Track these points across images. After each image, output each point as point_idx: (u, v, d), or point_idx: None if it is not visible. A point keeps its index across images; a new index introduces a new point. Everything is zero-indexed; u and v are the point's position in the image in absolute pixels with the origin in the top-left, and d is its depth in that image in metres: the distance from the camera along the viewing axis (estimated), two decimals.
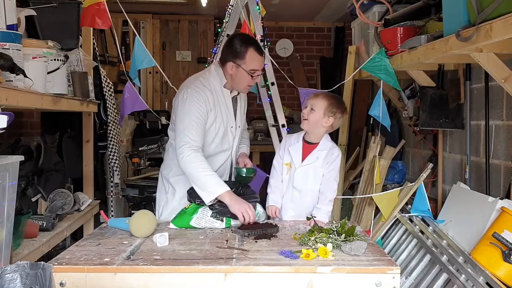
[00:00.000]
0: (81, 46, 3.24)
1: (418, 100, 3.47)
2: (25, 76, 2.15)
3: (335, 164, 2.44)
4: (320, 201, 2.43)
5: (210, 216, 2.23)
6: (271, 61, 3.72)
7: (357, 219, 3.48)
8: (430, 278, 2.65)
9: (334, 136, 3.03)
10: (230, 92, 2.55)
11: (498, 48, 2.19)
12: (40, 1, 2.73)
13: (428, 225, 3.01)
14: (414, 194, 3.20)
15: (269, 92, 3.75)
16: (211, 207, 2.24)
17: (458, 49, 2.22)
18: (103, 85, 3.86)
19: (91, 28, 3.58)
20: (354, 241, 1.87)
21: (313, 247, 1.85)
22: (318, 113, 2.41)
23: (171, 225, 2.23)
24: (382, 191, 3.34)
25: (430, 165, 3.26)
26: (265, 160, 5.35)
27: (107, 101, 3.87)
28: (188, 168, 2.30)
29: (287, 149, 2.51)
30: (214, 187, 2.24)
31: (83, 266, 1.65)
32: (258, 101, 3.92)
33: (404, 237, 3.15)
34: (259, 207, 2.40)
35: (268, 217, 2.49)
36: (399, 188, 3.33)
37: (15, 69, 2.07)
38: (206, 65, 4.14)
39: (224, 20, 3.79)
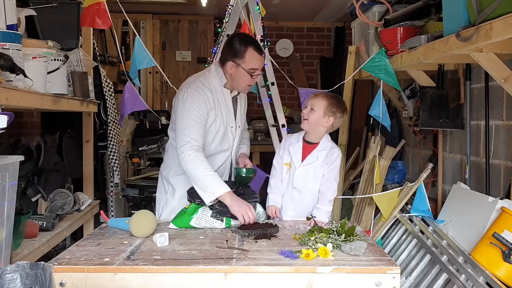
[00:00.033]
0: (81, 46, 3.24)
1: (418, 100, 3.47)
2: (25, 76, 2.15)
3: (335, 164, 2.44)
4: (320, 201, 2.42)
5: (210, 216, 2.23)
6: (271, 61, 3.72)
7: (357, 219, 3.48)
8: (430, 278, 2.65)
9: (334, 136, 3.03)
10: (230, 92, 2.55)
11: (498, 48, 2.19)
12: (40, 1, 2.73)
13: (428, 225, 3.01)
14: (414, 194, 3.19)
15: (269, 92, 3.75)
16: (211, 207, 2.24)
17: (458, 49, 2.22)
18: (103, 85, 3.86)
19: (91, 28, 3.58)
20: (354, 241, 1.87)
21: (313, 247, 1.85)
22: (318, 113, 2.41)
23: (171, 225, 2.23)
24: (382, 191, 3.34)
25: (430, 165, 3.26)
26: (265, 160, 5.35)
27: (107, 101, 3.87)
28: (189, 168, 2.30)
29: (287, 149, 2.51)
30: (215, 188, 2.24)
31: (83, 266, 1.65)
32: (258, 101, 3.92)
33: (404, 237, 3.15)
34: (259, 207, 2.40)
35: (268, 217, 2.49)
36: (399, 188, 3.33)
37: (15, 69, 2.07)
38: (206, 65, 4.15)
39: (224, 20, 3.79)
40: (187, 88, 2.43)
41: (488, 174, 2.87)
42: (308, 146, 2.47)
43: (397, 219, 3.26)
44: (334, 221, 2.36)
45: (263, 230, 2.10)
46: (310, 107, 2.43)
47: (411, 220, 3.16)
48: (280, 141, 3.17)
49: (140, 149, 4.28)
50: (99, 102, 3.70)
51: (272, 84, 3.72)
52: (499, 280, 2.26)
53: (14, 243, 2.13)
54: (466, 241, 2.65)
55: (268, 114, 3.91)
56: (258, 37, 3.58)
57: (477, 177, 3.06)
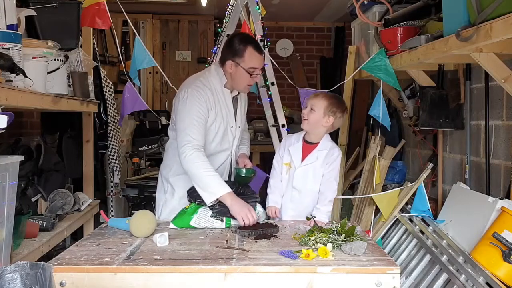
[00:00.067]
0: (81, 46, 3.24)
1: (418, 100, 3.47)
2: (25, 76, 2.15)
3: (335, 164, 2.44)
4: (320, 201, 2.42)
5: (210, 216, 2.23)
6: (271, 61, 3.72)
7: (357, 219, 3.48)
8: (430, 278, 2.65)
9: (334, 136, 3.03)
10: (231, 92, 2.55)
11: (498, 48, 2.19)
12: (40, 1, 2.73)
13: (428, 225, 3.01)
14: (414, 194, 3.19)
15: (269, 92, 3.75)
16: (211, 207, 2.24)
17: (458, 49, 2.22)
18: (103, 85, 3.86)
19: (91, 28, 3.58)
20: (354, 241, 1.87)
21: (313, 247, 1.85)
22: (318, 113, 2.41)
23: (171, 225, 2.23)
24: (382, 191, 3.34)
25: (430, 165, 3.26)
26: (265, 160, 5.35)
27: (107, 101, 3.87)
28: (190, 167, 2.30)
29: (287, 149, 2.51)
30: (216, 188, 2.24)
31: (83, 266, 1.65)
32: (258, 101, 3.92)
33: (404, 237, 3.15)
34: (259, 207, 2.40)
35: (268, 217, 2.49)
36: (399, 188, 3.33)
37: (15, 69, 2.07)
38: (206, 65, 4.15)
39: (224, 20, 3.79)
40: (187, 88, 2.43)
41: (488, 174, 2.87)
42: (308, 146, 2.47)
43: (397, 219, 3.25)
44: (334, 221, 2.36)
45: (263, 230, 2.10)
46: (310, 107, 2.43)
47: (411, 220, 3.16)
48: (280, 141, 3.17)
49: (140, 149, 4.29)
50: (99, 102, 3.70)
51: (272, 84, 3.72)
52: (499, 280, 2.26)
53: (14, 243, 2.13)
54: (466, 241, 2.65)
55: (268, 114, 3.91)
56: (258, 37, 3.58)
57: (477, 177, 3.06)
